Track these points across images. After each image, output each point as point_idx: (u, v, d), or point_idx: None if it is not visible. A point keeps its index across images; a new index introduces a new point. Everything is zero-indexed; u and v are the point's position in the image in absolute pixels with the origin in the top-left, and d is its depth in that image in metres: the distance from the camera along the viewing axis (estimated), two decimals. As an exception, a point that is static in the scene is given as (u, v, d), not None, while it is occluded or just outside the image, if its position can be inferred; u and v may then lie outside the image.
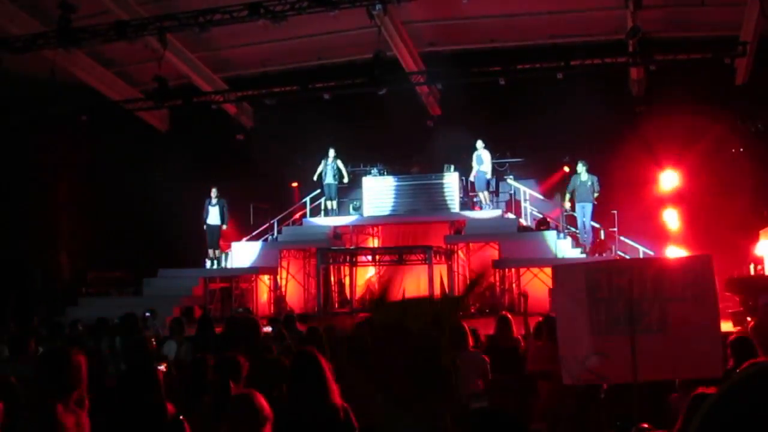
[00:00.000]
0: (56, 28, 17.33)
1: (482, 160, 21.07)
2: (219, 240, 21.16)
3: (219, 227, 20.86)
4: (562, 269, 4.67)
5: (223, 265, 21.30)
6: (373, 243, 22.36)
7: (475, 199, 21.58)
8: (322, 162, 21.84)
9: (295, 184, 24.23)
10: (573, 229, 20.15)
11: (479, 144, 21.11)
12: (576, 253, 19.11)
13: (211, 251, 20.91)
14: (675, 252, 20.36)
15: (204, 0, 18.56)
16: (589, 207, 19.03)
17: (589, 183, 18.97)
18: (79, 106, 21.45)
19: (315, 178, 22.05)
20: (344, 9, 16.75)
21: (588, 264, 4.79)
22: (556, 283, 4.64)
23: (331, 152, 21.82)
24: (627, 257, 19.71)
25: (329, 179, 21.89)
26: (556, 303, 4.37)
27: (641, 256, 19.59)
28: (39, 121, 20.71)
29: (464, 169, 21.66)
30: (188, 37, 20.50)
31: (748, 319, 8.78)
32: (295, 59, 23.33)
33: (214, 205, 20.73)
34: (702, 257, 4.47)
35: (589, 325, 4.48)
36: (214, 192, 20.80)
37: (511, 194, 22.45)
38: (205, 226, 20.88)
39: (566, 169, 20.81)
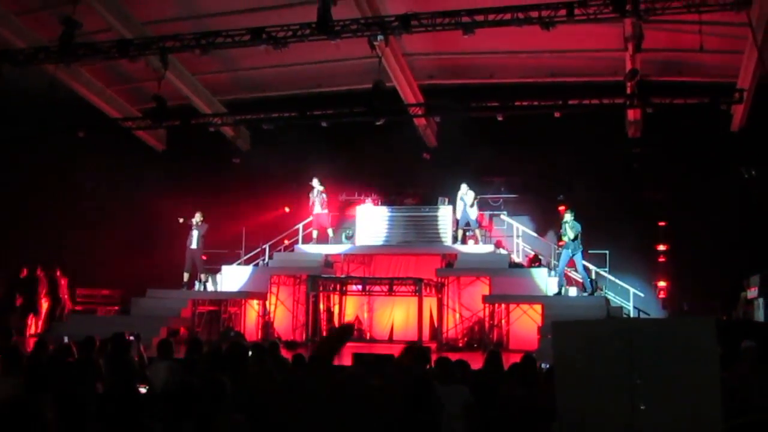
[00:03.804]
0: (59, 42, 17.37)
1: (465, 202, 21.02)
2: (202, 264, 21.04)
3: (199, 251, 20.74)
4: (561, 326, 4.67)
5: (209, 288, 21.19)
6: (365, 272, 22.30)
7: (468, 233, 21.58)
8: (311, 194, 21.88)
9: (287, 209, 24.23)
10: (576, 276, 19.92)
11: (463, 187, 21.07)
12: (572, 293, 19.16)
13: (186, 275, 20.76)
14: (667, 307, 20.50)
15: (207, 23, 18.68)
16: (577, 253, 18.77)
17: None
18: (78, 121, 21.46)
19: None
20: (346, 38, 16.83)
21: (588, 322, 4.79)
22: (556, 339, 4.65)
23: (315, 181, 21.84)
24: (617, 299, 19.78)
25: (318, 209, 21.90)
26: (555, 359, 4.35)
27: (632, 297, 19.64)
28: (36, 135, 20.72)
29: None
30: (189, 59, 20.57)
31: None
32: (294, 85, 23.41)
33: (196, 229, 20.63)
34: (704, 321, 4.47)
35: (588, 383, 4.46)
36: (198, 216, 20.69)
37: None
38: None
39: (562, 208, 20.81)
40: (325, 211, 21.99)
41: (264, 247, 22.94)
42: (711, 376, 4.36)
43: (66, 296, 21.07)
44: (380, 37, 16.71)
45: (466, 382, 8.51)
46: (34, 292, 20.72)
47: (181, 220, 20.46)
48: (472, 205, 21.00)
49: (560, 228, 19.16)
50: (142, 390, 7.97)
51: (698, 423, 4.12)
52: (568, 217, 18.56)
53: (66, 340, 11.62)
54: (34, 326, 19.79)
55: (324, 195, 21.97)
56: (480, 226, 21.54)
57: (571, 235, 18.30)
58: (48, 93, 18.54)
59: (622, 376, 4.27)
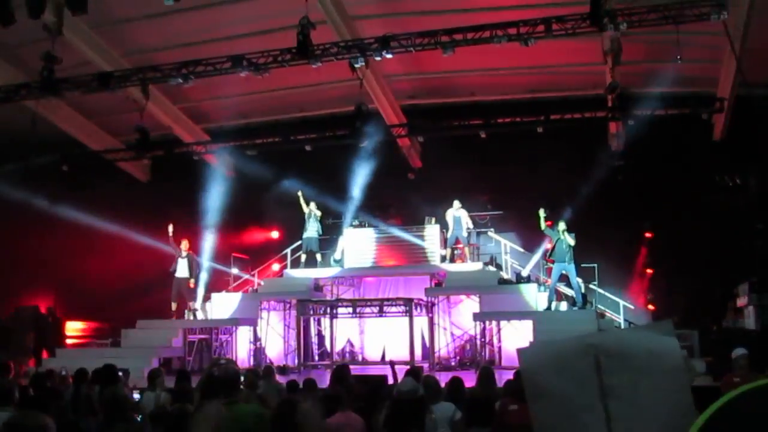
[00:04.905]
0: (39, 78, 17.37)
1: (459, 217, 21.06)
2: (193, 293, 20.91)
3: (187, 280, 20.62)
4: (525, 351, 4.61)
5: (199, 317, 21.06)
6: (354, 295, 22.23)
7: (456, 252, 21.59)
8: (306, 213, 21.77)
9: (276, 235, 24.23)
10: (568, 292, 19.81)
11: (456, 204, 21.10)
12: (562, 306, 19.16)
13: (174, 305, 20.63)
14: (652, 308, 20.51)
15: (187, 52, 18.71)
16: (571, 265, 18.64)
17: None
18: (61, 156, 21.44)
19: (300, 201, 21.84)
20: (326, 62, 16.91)
21: (553, 342, 4.72)
22: (523, 365, 4.57)
23: (313, 205, 21.78)
24: (607, 312, 19.79)
25: (311, 232, 21.83)
26: (525, 387, 4.28)
27: (621, 310, 19.64)
28: (20, 171, 20.67)
29: (445, 222, 21.60)
30: (170, 89, 20.59)
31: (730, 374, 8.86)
32: (277, 111, 23.47)
33: (183, 258, 20.53)
34: (663, 323, 4.45)
35: (561, 407, 4.41)
36: (184, 245, 20.60)
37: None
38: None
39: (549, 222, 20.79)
40: (315, 235, 21.92)
41: (253, 273, 22.89)
42: (680, 379, 4.34)
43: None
44: (360, 60, 16.82)
45: (461, 399, 8.50)
46: (23, 330, 20.65)
47: (170, 230, 20.34)
48: (466, 222, 21.05)
49: (552, 242, 18.92)
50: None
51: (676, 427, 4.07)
52: (562, 226, 18.44)
53: (64, 372, 11.59)
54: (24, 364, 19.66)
55: (319, 218, 21.88)
56: (468, 243, 21.55)
57: (572, 243, 18.18)
58: (30, 129, 18.53)
59: (593, 395, 4.24)
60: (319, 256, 22.31)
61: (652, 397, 4.27)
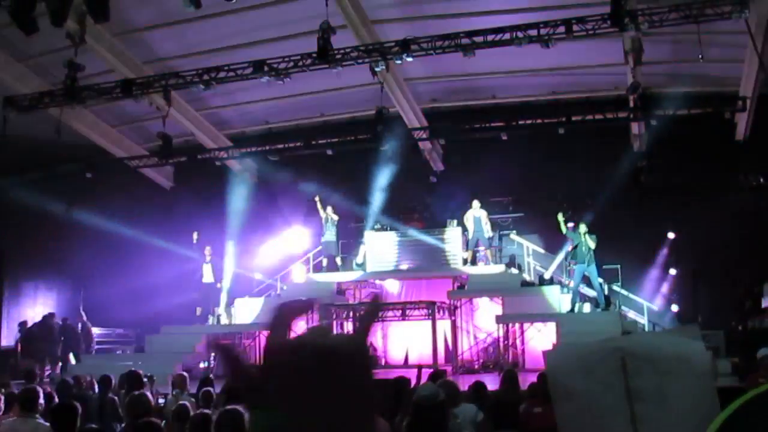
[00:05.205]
0: (62, 86, 17.52)
1: (479, 218, 20.99)
2: (218, 298, 21.06)
3: (214, 285, 20.79)
4: (551, 353, 4.59)
5: (223, 322, 21.16)
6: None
7: (478, 254, 21.53)
8: (323, 218, 21.84)
9: (298, 240, 24.26)
10: (591, 294, 19.72)
11: (475, 204, 21.03)
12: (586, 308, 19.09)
13: (198, 309, 20.78)
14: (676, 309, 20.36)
15: (208, 58, 18.80)
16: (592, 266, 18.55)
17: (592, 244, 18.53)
18: (84, 163, 21.56)
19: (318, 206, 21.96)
20: (347, 66, 16.95)
21: (578, 345, 4.70)
22: (549, 368, 4.57)
23: (330, 209, 21.82)
24: (631, 312, 19.68)
25: (329, 236, 21.88)
26: (551, 390, 4.27)
27: (645, 311, 19.53)
28: (44, 179, 20.80)
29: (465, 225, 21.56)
30: (192, 95, 20.69)
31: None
32: (298, 116, 23.51)
33: (207, 263, 20.70)
34: (689, 327, 4.43)
35: (587, 409, 4.41)
36: (207, 250, 20.78)
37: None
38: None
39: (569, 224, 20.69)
40: (333, 239, 21.98)
41: (276, 278, 22.92)
42: (707, 381, 4.32)
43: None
44: (381, 66, 16.86)
45: (484, 403, 8.49)
46: (50, 337, 20.74)
47: (195, 237, 20.53)
48: (486, 223, 20.98)
49: (574, 245, 18.85)
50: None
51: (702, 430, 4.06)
52: (583, 228, 18.37)
53: (89, 378, 11.67)
54: (51, 370, 19.78)
55: (336, 222, 21.93)
56: (490, 246, 21.49)
57: (593, 245, 18.12)
58: (54, 136, 18.66)
59: (619, 397, 4.23)
60: (339, 260, 22.37)
61: (679, 401, 4.24)
